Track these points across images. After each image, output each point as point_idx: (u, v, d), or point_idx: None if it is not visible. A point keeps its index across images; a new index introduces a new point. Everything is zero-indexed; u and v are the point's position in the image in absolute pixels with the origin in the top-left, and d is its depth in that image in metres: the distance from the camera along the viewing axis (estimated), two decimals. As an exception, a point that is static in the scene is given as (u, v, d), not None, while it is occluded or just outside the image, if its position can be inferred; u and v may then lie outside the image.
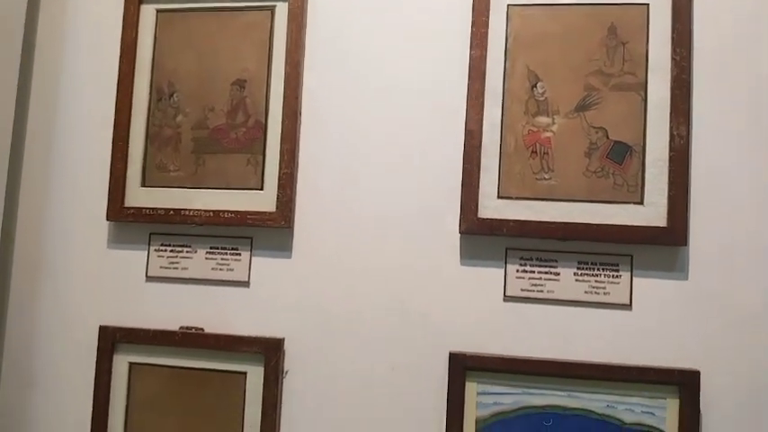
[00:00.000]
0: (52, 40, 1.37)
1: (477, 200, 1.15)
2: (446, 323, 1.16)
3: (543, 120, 1.15)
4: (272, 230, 1.22)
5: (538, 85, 1.16)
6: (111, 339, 1.24)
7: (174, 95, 1.28)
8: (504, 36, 1.17)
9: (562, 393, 1.10)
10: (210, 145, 1.26)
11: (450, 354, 1.13)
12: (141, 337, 1.23)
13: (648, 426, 1.08)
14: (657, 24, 1.13)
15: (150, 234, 1.27)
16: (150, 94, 1.29)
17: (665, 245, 1.10)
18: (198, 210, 1.23)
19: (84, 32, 1.36)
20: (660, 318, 1.10)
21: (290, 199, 1.21)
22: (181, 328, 1.23)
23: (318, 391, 1.19)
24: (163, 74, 1.29)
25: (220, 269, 1.24)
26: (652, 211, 1.10)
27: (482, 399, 1.12)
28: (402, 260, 1.18)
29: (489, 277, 1.16)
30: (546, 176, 1.14)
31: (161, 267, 1.26)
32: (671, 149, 1.11)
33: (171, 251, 1.26)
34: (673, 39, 1.12)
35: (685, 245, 1.09)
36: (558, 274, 1.14)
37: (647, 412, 1.08)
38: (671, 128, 1.11)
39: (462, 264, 1.17)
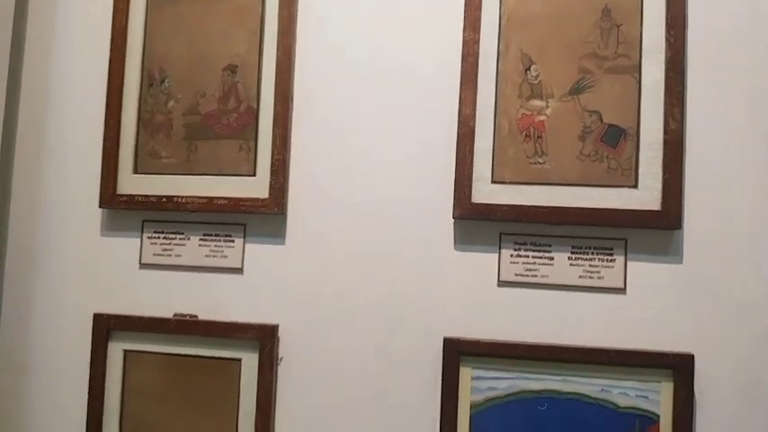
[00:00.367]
0: (42, 27, 1.35)
1: (471, 185, 1.14)
2: (440, 308, 1.16)
3: (537, 103, 1.14)
4: (265, 217, 1.22)
5: (531, 68, 1.15)
6: (106, 327, 1.24)
7: (166, 81, 1.27)
8: (497, 19, 1.16)
9: (556, 378, 1.10)
10: (202, 131, 1.25)
11: (445, 339, 1.13)
12: (136, 324, 1.23)
13: (643, 409, 1.08)
14: (651, 6, 1.12)
15: (143, 221, 1.27)
16: (141, 79, 1.28)
17: (659, 228, 1.09)
18: (190, 196, 1.22)
19: (74, 19, 1.35)
20: (654, 302, 1.10)
21: (283, 185, 1.20)
22: (175, 315, 1.23)
23: (313, 377, 1.19)
24: (154, 59, 1.28)
25: (214, 256, 1.24)
26: (646, 195, 1.10)
27: (476, 384, 1.12)
28: (396, 246, 1.18)
29: (483, 262, 1.15)
30: (540, 160, 1.13)
31: (154, 254, 1.26)
32: (665, 132, 1.10)
33: (164, 238, 1.26)
34: (667, 21, 1.11)
35: (679, 228, 1.09)
36: (552, 258, 1.13)
37: (642, 396, 1.08)
38: (665, 111, 1.10)
39: (456, 249, 1.17)
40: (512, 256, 1.15)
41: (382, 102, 1.20)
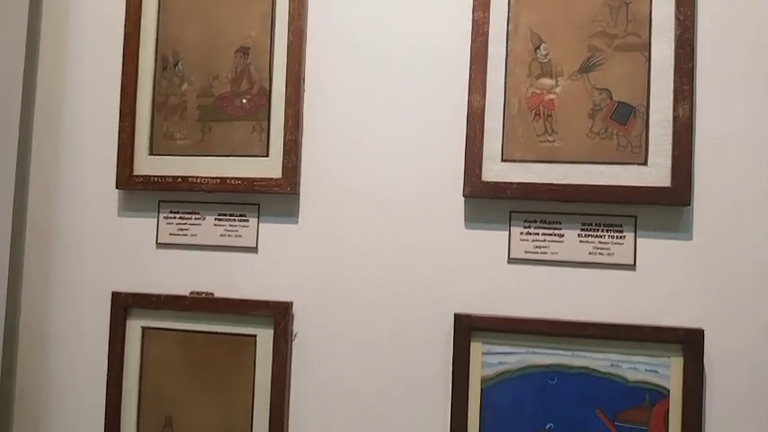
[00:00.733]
0: (57, 11, 1.38)
1: (481, 163, 1.15)
2: (451, 286, 1.18)
3: (546, 82, 1.15)
4: (278, 197, 1.23)
5: (541, 47, 1.15)
6: (124, 305, 1.27)
7: (179, 64, 1.29)
8: (506, -3, 1.17)
9: (566, 353, 1.12)
10: (216, 113, 1.27)
11: (455, 315, 1.14)
12: (153, 302, 1.26)
13: (653, 384, 1.09)
14: (661, -17, 1.12)
15: (159, 202, 1.29)
16: (156, 62, 1.30)
17: (669, 205, 1.10)
18: (205, 177, 1.25)
19: (89, 2, 1.36)
20: (664, 278, 1.11)
21: (296, 165, 1.22)
22: (191, 293, 1.25)
23: (327, 353, 1.21)
24: (167, 43, 1.30)
25: (229, 235, 1.26)
26: (656, 172, 1.10)
27: (487, 358, 1.14)
28: (407, 224, 1.19)
29: (493, 240, 1.17)
30: (549, 139, 1.14)
31: (170, 234, 1.28)
32: (675, 110, 1.10)
33: (180, 218, 1.28)
34: (677, -2, 1.11)
35: (689, 205, 1.09)
36: (563, 235, 1.14)
37: (651, 371, 1.09)
38: (675, 88, 1.10)
39: (467, 227, 1.18)
40: (522, 233, 1.16)
41: (393, 82, 1.22)
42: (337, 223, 1.22)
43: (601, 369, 1.10)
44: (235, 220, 1.26)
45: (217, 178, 1.24)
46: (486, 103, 1.16)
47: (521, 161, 1.15)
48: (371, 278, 1.20)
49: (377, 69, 1.22)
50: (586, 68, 1.14)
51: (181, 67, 1.29)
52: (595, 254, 1.13)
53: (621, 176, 1.11)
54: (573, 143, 1.13)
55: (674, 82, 1.10)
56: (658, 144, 1.11)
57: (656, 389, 1.09)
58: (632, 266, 1.12)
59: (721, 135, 1.10)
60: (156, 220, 1.29)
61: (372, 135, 1.22)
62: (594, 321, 1.11)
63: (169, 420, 1.25)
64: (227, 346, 1.23)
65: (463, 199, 1.17)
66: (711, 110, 1.11)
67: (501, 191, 1.14)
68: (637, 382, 1.09)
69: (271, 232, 1.25)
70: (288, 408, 1.21)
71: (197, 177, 1.25)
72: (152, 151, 1.29)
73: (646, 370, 1.09)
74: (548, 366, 1.12)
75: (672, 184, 1.09)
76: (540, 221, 1.15)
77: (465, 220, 1.18)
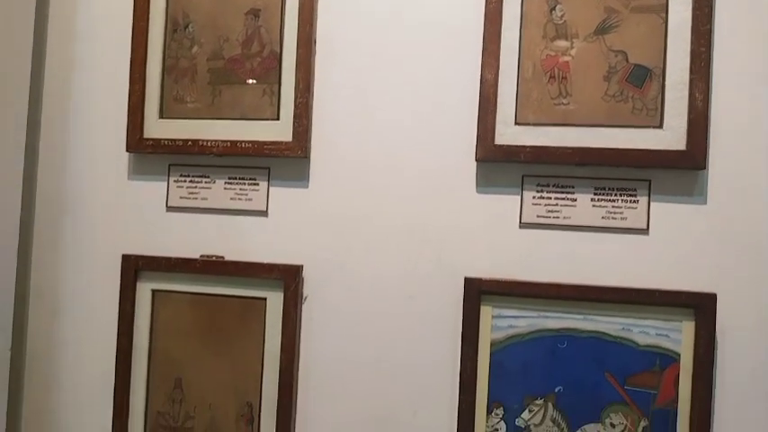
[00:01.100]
0: (67, -27, 1.37)
1: (494, 127, 1.14)
2: (462, 250, 1.17)
3: (562, 44, 1.13)
4: (288, 160, 1.23)
5: (556, 8, 1.13)
6: (134, 267, 1.27)
7: (189, 26, 1.28)
8: (522, -42, 1.15)
9: (577, 317, 1.11)
10: (226, 76, 1.26)
11: (466, 278, 1.14)
12: (163, 264, 1.26)
13: (663, 348, 1.08)
14: (680, -58, 1.10)
15: (169, 165, 1.29)
16: (166, 25, 1.29)
17: (683, 168, 1.09)
18: (215, 140, 1.24)
19: (98, -35, 1.36)
20: (677, 242, 1.10)
21: (306, 128, 1.21)
22: (201, 256, 1.25)
23: (336, 316, 1.21)
24: (177, 5, 1.28)
25: (239, 199, 1.26)
26: (671, 135, 1.09)
27: (497, 322, 1.13)
28: (418, 188, 1.19)
29: (505, 204, 1.16)
30: (564, 101, 1.13)
31: (181, 198, 1.28)
32: (691, 72, 1.09)
33: (190, 181, 1.28)
34: (695, -43, 1.09)
35: (704, 168, 1.08)
36: (575, 200, 1.14)
37: (662, 335, 1.08)
38: (692, 51, 1.09)
39: (478, 191, 1.17)
40: (534, 198, 1.15)
41: (404, 44, 1.20)
42: (348, 187, 1.22)
43: (612, 333, 1.10)
44: (245, 183, 1.26)
45: (227, 142, 1.24)
46: (500, 65, 1.14)
47: (534, 124, 1.13)
48: (382, 242, 1.20)
49: (389, 31, 1.21)
50: (602, 30, 1.12)
51: (191, 30, 1.28)
52: (608, 218, 1.12)
53: (636, 140, 1.10)
54: (587, 106, 1.12)
55: (691, 44, 1.09)
56: (674, 107, 1.09)
57: (666, 353, 1.08)
58: (645, 231, 1.11)
59: (738, 98, 1.09)
60: (166, 183, 1.29)
61: (384, 98, 1.21)
62: (606, 285, 1.10)
63: (179, 382, 1.25)
64: (237, 309, 1.23)
65: (475, 163, 1.16)
66: (728, 73, 1.09)
67: (514, 154, 1.13)
68: (647, 346, 1.09)
69: (281, 196, 1.24)
70: (297, 370, 1.21)
71: (207, 141, 1.24)
72: (162, 114, 1.28)
73: (657, 334, 1.09)
74: (558, 330, 1.12)
75: (687, 147, 1.08)
76: (553, 185, 1.14)
77: (477, 184, 1.17)
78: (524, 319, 1.13)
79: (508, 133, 1.14)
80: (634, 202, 1.11)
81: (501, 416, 1.13)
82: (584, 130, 1.11)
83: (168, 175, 1.29)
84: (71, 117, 1.35)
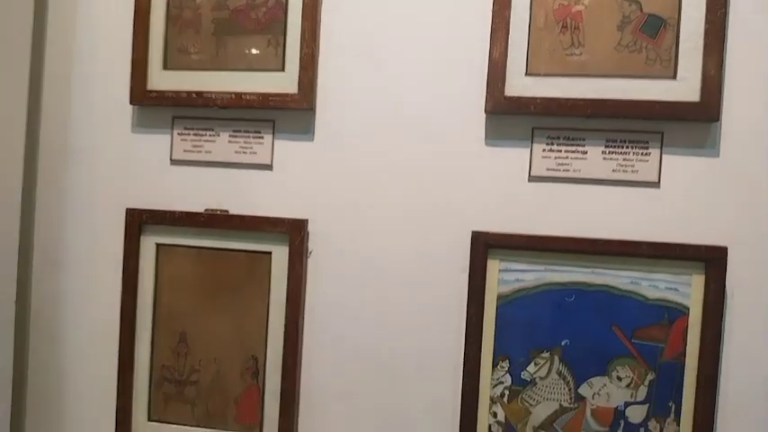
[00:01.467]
0: None
1: (504, 78, 1.12)
2: (470, 204, 1.16)
3: (574, -8, 1.11)
4: (293, 113, 1.21)
5: (570, -45, 1.11)
6: (138, 221, 1.25)
7: (194, -25, 1.25)
8: None
9: (586, 270, 1.10)
10: (231, 26, 1.23)
11: (473, 232, 1.13)
12: (167, 218, 1.24)
13: (672, 302, 1.08)
14: None
15: (173, 118, 1.27)
16: (169, -26, 1.26)
17: (696, 120, 1.07)
18: (220, 92, 1.22)
19: None
20: (689, 195, 1.09)
21: (312, 80, 1.19)
22: (206, 209, 1.24)
23: (342, 270, 1.20)
24: (181, -47, 1.26)
25: (243, 152, 1.24)
26: (685, 86, 1.07)
27: (504, 276, 1.12)
28: (426, 140, 1.17)
29: (515, 157, 1.14)
30: (576, 52, 1.11)
31: (185, 151, 1.26)
32: (706, 22, 1.06)
33: (194, 135, 1.26)
34: None
35: (717, 121, 1.06)
36: (586, 152, 1.12)
37: (672, 288, 1.08)
38: (707, 0, 1.06)
39: (487, 144, 1.15)
40: (544, 150, 1.13)
41: (414, -6, 1.18)
42: (354, 140, 1.20)
43: (620, 287, 1.09)
44: (249, 136, 1.24)
45: (231, 93, 1.21)
46: (511, 15, 1.12)
47: (546, 75, 1.11)
48: (388, 195, 1.18)
49: (398, -21, 1.18)
50: (616, -22, 1.09)
51: (195, -21, 1.25)
52: (619, 171, 1.10)
53: (649, 91, 1.08)
54: (600, 56, 1.10)
55: (708, -7, 1.06)
56: (688, 58, 1.07)
57: (675, 307, 1.07)
58: (656, 184, 1.09)
59: (753, 50, 1.07)
60: (170, 136, 1.27)
61: (391, 49, 1.18)
62: (615, 238, 1.09)
63: (183, 336, 1.25)
64: (242, 263, 1.22)
65: (485, 115, 1.14)
66: (744, 23, 1.07)
67: (524, 106, 1.11)
68: (656, 300, 1.08)
69: (286, 149, 1.23)
70: (302, 325, 1.21)
71: (211, 92, 1.22)
72: (166, 66, 1.26)
73: (666, 288, 1.08)
74: (565, 284, 1.11)
75: (701, 99, 1.06)
76: (564, 138, 1.13)
77: (486, 136, 1.15)
78: (532, 273, 1.12)
79: (519, 85, 1.12)
80: (646, 154, 1.10)
81: (507, 369, 1.12)
82: (597, 80, 1.09)
83: (172, 128, 1.27)
84: (74, 69, 1.32)
